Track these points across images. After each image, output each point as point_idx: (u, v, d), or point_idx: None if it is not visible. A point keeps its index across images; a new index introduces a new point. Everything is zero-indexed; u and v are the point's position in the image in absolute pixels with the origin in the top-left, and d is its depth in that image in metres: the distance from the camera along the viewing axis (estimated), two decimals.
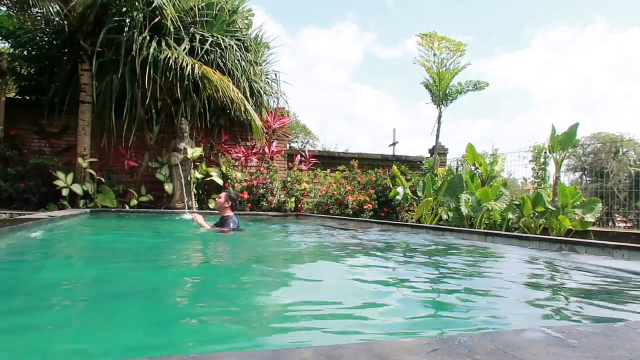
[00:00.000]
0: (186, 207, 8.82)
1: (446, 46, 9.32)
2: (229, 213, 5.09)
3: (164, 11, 8.30)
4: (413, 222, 8.70)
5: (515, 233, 6.33)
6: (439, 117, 9.95)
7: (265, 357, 0.90)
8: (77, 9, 7.78)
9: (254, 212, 9.10)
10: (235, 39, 9.69)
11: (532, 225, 7.45)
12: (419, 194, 9.39)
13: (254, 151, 10.39)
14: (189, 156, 9.00)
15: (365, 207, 9.71)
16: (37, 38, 9.39)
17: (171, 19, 8.33)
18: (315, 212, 9.89)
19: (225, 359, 0.91)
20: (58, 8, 8.02)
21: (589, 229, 7.00)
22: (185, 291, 2.30)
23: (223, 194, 5.23)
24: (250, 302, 2.10)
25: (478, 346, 0.98)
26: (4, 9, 8.70)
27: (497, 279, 2.88)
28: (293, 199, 9.87)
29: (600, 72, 72.16)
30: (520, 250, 4.13)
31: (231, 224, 4.97)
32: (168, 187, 9.07)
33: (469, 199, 7.86)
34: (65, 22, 8.49)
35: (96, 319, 1.70)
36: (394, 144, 13.84)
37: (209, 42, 9.05)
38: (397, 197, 9.71)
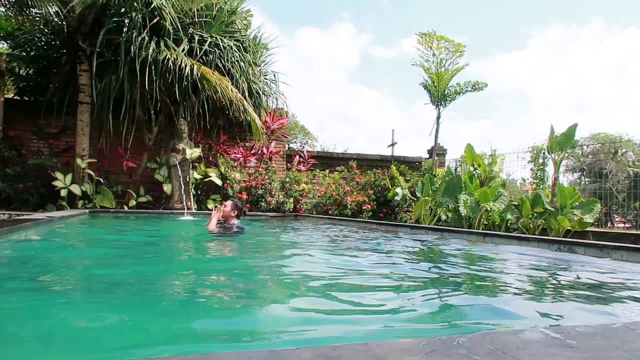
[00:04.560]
0: (185, 208, 8.82)
1: (445, 46, 9.33)
2: (234, 221, 5.09)
3: (163, 12, 8.30)
4: (412, 223, 8.70)
5: (513, 234, 6.34)
6: (438, 117, 9.97)
7: (264, 357, 0.90)
8: (76, 9, 7.77)
9: (253, 212, 9.10)
10: (234, 40, 9.70)
11: (531, 226, 7.46)
12: (418, 194, 9.39)
13: (252, 152, 10.39)
14: (187, 157, 9.00)
15: (364, 207, 9.72)
16: (36, 39, 9.39)
17: (170, 19, 8.33)
18: (314, 212, 9.89)
19: (224, 359, 0.90)
20: (57, 9, 8.02)
21: (587, 229, 7.01)
22: (185, 292, 2.30)
23: (229, 203, 5.12)
24: (249, 303, 2.10)
25: (477, 347, 0.98)
26: (2, 9, 8.69)
27: (496, 280, 2.88)
28: (292, 200, 9.87)
29: (598, 73, 72.40)
30: (519, 250, 4.14)
31: (234, 227, 4.96)
32: (167, 188, 9.06)
33: (467, 200, 7.87)
34: (64, 22, 8.48)
35: (94, 320, 1.69)
36: (392, 144, 13.82)
37: (207, 42, 9.06)
38: (395, 197, 9.71)
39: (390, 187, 10.19)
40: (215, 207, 5.23)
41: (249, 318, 1.83)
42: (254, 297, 2.23)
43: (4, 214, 6.89)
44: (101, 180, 8.66)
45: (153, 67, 8.28)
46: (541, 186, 8.91)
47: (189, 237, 5.50)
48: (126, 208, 8.65)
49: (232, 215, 5.07)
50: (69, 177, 8.24)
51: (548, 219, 7.20)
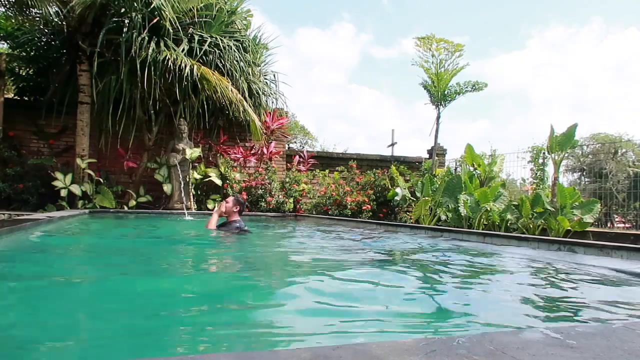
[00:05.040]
0: (185, 208, 8.82)
1: (444, 47, 9.33)
2: (236, 217, 5.06)
3: (163, 12, 8.30)
4: (411, 223, 8.70)
5: (513, 234, 6.34)
6: (438, 117, 9.96)
7: (264, 357, 0.90)
8: (76, 9, 7.77)
9: (253, 212, 9.10)
10: (234, 40, 9.69)
11: (531, 226, 7.46)
12: (418, 194, 9.39)
13: (252, 152, 10.39)
14: (187, 157, 9.00)
15: (364, 207, 9.72)
16: (36, 39, 9.38)
17: (170, 20, 8.33)
18: (314, 212, 9.89)
19: (224, 359, 0.91)
20: (57, 9, 8.02)
21: (587, 229, 7.01)
22: (184, 293, 2.30)
23: (231, 199, 5.11)
24: (249, 304, 2.10)
25: (476, 347, 0.98)
26: (2, 9, 8.69)
27: (495, 280, 2.88)
28: (292, 200, 9.86)
29: (598, 73, 72.41)
30: (518, 250, 4.14)
31: (235, 228, 4.94)
32: (167, 188, 9.06)
33: (467, 200, 7.87)
34: (64, 22, 8.48)
35: (93, 321, 1.69)
36: (392, 144, 13.83)
37: (207, 43, 9.05)
38: (395, 197, 9.71)
39: (390, 187, 10.19)
40: (217, 203, 5.22)
41: (249, 318, 1.83)
42: (253, 297, 2.23)
43: (4, 214, 6.89)
44: (101, 180, 8.65)
45: (153, 67, 8.28)
46: (541, 186, 8.92)
47: (189, 238, 5.49)
48: (126, 208, 8.65)
49: (235, 211, 5.05)
50: (69, 177, 8.23)
51: (548, 219, 7.20)
